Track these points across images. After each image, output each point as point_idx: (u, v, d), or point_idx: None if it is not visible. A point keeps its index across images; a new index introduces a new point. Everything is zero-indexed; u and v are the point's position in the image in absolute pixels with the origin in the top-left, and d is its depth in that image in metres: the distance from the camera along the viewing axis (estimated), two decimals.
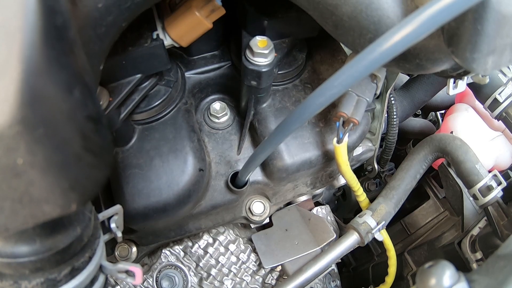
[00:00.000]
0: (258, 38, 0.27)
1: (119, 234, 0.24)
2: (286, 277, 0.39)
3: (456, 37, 0.22)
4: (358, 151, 0.48)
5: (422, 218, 0.54)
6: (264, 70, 0.27)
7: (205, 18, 0.27)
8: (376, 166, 0.54)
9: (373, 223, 0.36)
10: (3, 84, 0.09)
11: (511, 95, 0.49)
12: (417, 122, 0.70)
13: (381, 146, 0.54)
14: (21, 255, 0.16)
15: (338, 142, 0.30)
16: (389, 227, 0.58)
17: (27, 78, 0.09)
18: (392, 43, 0.17)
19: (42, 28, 0.09)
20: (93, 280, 0.21)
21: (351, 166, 0.53)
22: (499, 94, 0.48)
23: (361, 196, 0.40)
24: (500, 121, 0.48)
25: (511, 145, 0.53)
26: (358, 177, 0.61)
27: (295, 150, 0.33)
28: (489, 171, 0.47)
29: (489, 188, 0.37)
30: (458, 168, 0.39)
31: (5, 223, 0.12)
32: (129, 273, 0.22)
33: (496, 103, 0.48)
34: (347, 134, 0.30)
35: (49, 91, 0.10)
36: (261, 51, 0.27)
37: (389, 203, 0.38)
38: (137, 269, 0.21)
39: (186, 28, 0.27)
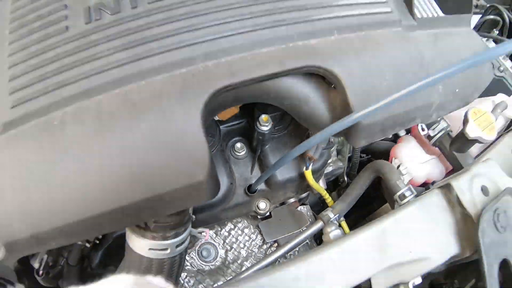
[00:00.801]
0: (263, 116, 0.53)
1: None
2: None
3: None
4: (329, 169, 0.74)
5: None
6: (266, 132, 0.54)
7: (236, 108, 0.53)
8: (346, 178, 0.80)
9: (332, 215, 0.62)
10: None
11: (442, 129, 0.73)
12: (384, 144, 0.95)
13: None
14: (169, 222, 0.43)
15: (306, 169, 0.56)
16: (356, 225, 0.83)
17: None
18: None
19: None
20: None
21: (328, 179, 0.79)
22: (432, 129, 0.73)
23: (328, 199, 0.66)
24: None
25: (441, 165, 0.78)
26: (336, 186, 0.87)
27: (284, 172, 0.59)
28: (423, 184, 0.72)
29: (404, 196, 0.62)
30: (386, 182, 0.63)
31: None
32: (202, 233, 0.48)
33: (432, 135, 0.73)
34: (311, 164, 0.56)
35: None
36: (264, 123, 0.53)
37: (343, 204, 0.63)
38: (207, 230, 0.47)
39: (227, 113, 0.53)
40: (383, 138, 0.60)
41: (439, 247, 0.44)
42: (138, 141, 0.33)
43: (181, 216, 0.42)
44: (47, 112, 0.36)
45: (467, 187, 0.49)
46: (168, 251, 0.42)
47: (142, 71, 0.35)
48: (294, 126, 0.61)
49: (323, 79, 0.41)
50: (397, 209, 0.45)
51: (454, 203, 0.49)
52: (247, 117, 0.61)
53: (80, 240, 0.49)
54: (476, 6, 1.15)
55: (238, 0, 0.40)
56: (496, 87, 1.01)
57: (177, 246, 0.42)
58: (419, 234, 0.43)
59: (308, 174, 0.57)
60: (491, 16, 1.07)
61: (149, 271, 0.42)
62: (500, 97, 0.85)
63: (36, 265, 0.45)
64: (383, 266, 0.38)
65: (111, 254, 0.58)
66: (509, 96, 0.88)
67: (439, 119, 0.73)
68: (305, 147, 0.44)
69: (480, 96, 0.87)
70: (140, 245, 0.42)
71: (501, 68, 1.02)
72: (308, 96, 0.41)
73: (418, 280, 0.43)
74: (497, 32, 1.07)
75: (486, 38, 1.02)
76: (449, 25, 0.57)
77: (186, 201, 0.36)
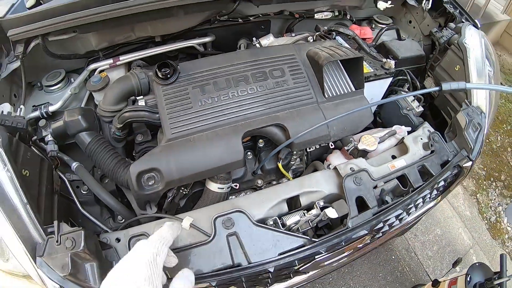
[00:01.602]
0: (260, 139, 1.30)
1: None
2: None
3: None
4: (295, 167, 1.49)
5: None
6: (261, 147, 1.30)
7: None
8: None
9: None
10: None
11: (352, 145, 1.49)
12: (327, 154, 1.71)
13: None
14: (226, 176, 1.18)
15: (278, 162, 1.32)
16: None
17: None
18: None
19: None
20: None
21: (295, 174, 1.54)
22: (347, 146, 1.50)
23: (291, 180, 1.41)
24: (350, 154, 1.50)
25: None
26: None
27: (269, 164, 1.35)
28: None
29: None
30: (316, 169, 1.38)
31: None
32: (234, 185, 1.24)
33: (347, 149, 1.50)
34: (281, 160, 1.32)
35: None
36: (260, 143, 1.29)
37: None
38: (238, 184, 1.22)
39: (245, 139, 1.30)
40: (307, 148, 1.37)
41: (327, 188, 1.19)
42: (220, 146, 1.09)
43: (230, 174, 1.18)
44: (186, 136, 1.12)
45: (343, 168, 1.26)
46: (224, 190, 1.18)
47: (220, 125, 1.12)
48: (273, 144, 1.38)
49: (282, 127, 1.18)
50: (308, 174, 1.21)
51: (338, 174, 1.25)
52: (253, 140, 1.38)
53: (190, 183, 1.23)
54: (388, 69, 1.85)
55: (251, 97, 1.17)
56: (404, 121, 1.78)
57: (227, 188, 1.18)
58: (318, 182, 1.19)
59: (280, 165, 1.33)
60: (400, 77, 1.84)
61: (216, 198, 1.18)
62: (395, 127, 1.61)
63: (170, 194, 1.19)
64: (301, 191, 1.13)
65: (188, 201, 1.33)
66: (411, 126, 1.64)
67: (351, 139, 1.48)
68: (275, 152, 1.20)
69: (391, 126, 1.64)
70: (213, 186, 1.17)
71: (408, 108, 1.78)
72: (277, 132, 1.18)
73: (321, 203, 1.18)
74: (407, 85, 1.84)
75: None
76: (348, 97, 1.35)
77: (234, 166, 1.12)
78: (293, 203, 1.19)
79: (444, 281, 2.15)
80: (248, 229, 1.01)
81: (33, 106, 1.51)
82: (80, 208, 1.27)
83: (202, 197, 1.21)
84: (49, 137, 1.28)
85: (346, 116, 1.24)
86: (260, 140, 1.29)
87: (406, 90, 1.76)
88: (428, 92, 1.07)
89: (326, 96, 1.28)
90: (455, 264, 2.34)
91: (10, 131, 1.16)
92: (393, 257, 2.58)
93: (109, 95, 1.30)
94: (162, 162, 1.06)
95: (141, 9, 1.25)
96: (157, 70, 1.15)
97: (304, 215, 1.13)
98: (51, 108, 1.43)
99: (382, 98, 1.82)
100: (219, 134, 1.11)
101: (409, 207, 1.33)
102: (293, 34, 1.59)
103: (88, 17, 1.29)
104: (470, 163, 1.49)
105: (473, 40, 1.53)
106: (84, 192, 1.32)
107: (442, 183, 1.43)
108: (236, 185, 1.29)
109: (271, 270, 0.97)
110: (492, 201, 2.96)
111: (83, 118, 1.25)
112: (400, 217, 1.32)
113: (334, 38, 1.55)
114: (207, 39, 1.60)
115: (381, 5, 1.66)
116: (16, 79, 1.52)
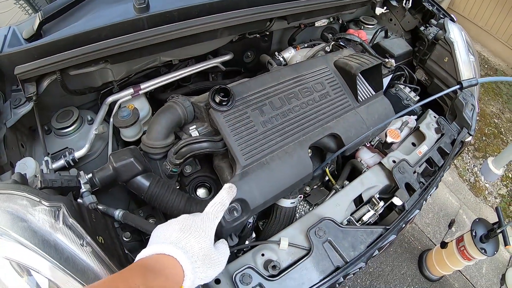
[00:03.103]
0: (309, 150, 1.47)
1: None
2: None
3: None
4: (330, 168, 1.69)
5: None
6: (320, 167, 1.48)
7: None
8: (336, 173, 1.76)
9: (338, 186, 1.57)
10: None
11: (377, 140, 1.75)
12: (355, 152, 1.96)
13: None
14: (297, 191, 1.34)
15: (326, 168, 1.51)
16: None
17: None
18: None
19: None
20: None
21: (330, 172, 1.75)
22: (371, 142, 1.75)
23: (333, 181, 1.61)
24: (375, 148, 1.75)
25: (380, 156, 1.79)
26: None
27: (317, 172, 1.53)
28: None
29: (364, 171, 1.59)
30: (356, 168, 1.60)
31: None
32: (299, 197, 1.39)
33: (372, 144, 1.74)
34: (328, 167, 1.51)
35: None
36: (310, 155, 1.47)
37: (340, 181, 1.59)
38: (301, 196, 1.39)
39: None
40: (354, 150, 1.59)
41: (380, 182, 1.42)
42: (293, 163, 1.24)
43: (299, 189, 1.34)
44: (259, 160, 1.24)
45: (386, 161, 1.50)
46: (295, 203, 1.33)
47: (285, 143, 1.27)
48: (318, 152, 1.56)
49: (334, 135, 1.37)
50: (363, 174, 1.43)
51: (384, 168, 1.49)
52: None
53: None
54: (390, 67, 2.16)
55: (305, 112, 1.34)
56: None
57: (297, 201, 1.34)
58: (371, 178, 1.41)
59: (327, 170, 1.52)
60: (398, 73, 2.15)
61: (289, 213, 1.32)
62: (405, 117, 1.90)
63: (250, 220, 1.31)
64: (363, 189, 1.34)
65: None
66: (412, 114, 1.94)
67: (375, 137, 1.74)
68: (331, 158, 1.39)
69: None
70: (286, 203, 1.32)
71: (408, 99, 2.09)
72: (330, 141, 1.37)
73: (377, 195, 1.40)
74: (403, 79, 2.15)
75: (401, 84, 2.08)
76: (373, 99, 1.58)
77: (306, 180, 1.28)
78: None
79: (451, 241, 2.55)
80: (337, 233, 1.19)
81: (48, 154, 1.43)
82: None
83: (275, 215, 1.35)
84: (83, 188, 1.14)
85: (378, 116, 1.47)
86: (309, 150, 1.46)
87: (402, 83, 2.07)
88: (450, 92, 1.34)
89: (359, 101, 1.49)
90: (450, 225, 2.77)
91: (61, 193, 1.10)
92: None
93: (155, 129, 1.32)
94: (244, 191, 1.14)
95: (187, 32, 1.28)
96: (214, 96, 1.19)
97: (370, 210, 1.33)
98: (77, 154, 1.36)
99: (384, 90, 2.11)
100: (288, 152, 1.25)
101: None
102: (305, 45, 1.78)
103: (126, 45, 1.22)
104: (470, 138, 1.85)
105: (456, 34, 1.87)
106: (126, 239, 1.25)
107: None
108: (300, 196, 1.44)
109: (364, 262, 1.16)
110: (468, 164, 3.51)
111: (136, 160, 1.18)
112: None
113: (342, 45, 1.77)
114: (227, 57, 1.70)
115: (378, 11, 1.93)
116: (19, 126, 1.37)
